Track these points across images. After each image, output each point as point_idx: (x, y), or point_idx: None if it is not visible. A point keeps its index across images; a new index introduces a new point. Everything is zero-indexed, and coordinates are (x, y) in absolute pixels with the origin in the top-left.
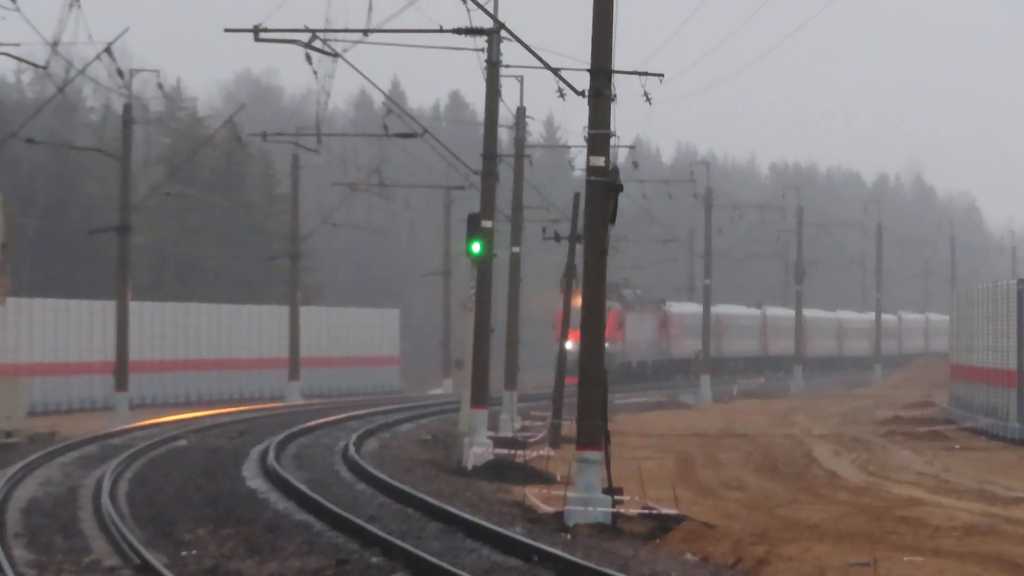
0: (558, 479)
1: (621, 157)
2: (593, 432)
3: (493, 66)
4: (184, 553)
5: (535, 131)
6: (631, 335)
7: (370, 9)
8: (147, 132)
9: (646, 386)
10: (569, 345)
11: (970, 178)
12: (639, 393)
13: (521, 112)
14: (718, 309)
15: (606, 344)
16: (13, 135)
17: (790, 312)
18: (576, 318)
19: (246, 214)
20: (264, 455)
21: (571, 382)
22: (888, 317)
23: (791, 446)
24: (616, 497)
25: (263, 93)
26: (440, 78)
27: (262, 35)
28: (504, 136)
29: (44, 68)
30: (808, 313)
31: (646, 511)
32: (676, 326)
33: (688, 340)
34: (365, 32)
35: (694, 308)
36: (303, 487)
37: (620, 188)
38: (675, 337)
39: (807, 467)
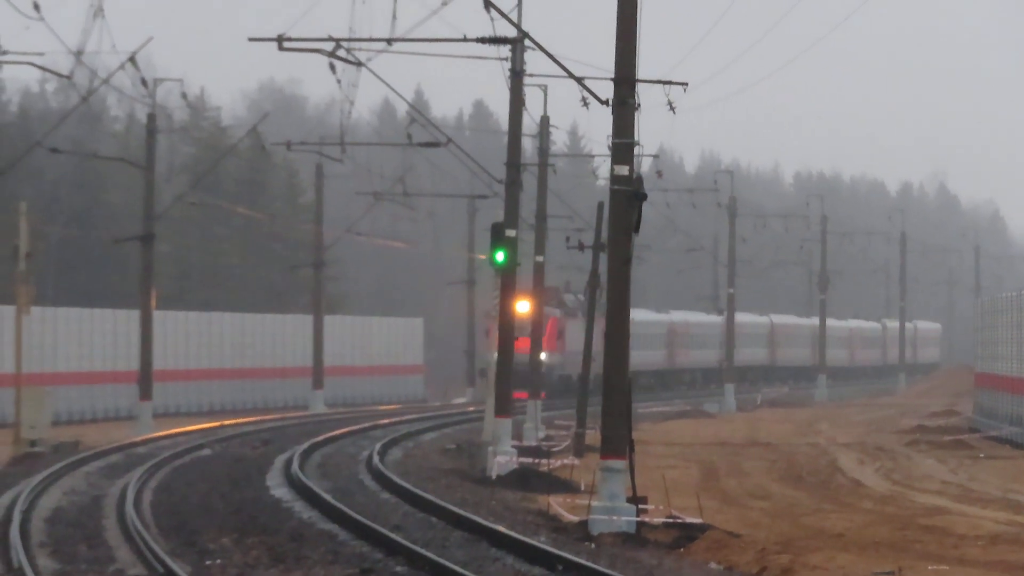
0: (582, 488)
1: (645, 166)
2: (617, 441)
3: (517, 75)
4: (208, 562)
5: (559, 140)
6: (572, 345)
7: (394, 18)
8: (171, 141)
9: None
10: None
11: (994, 187)
12: (663, 402)
13: (545, 121)
14: (673, 316)
15: (545, 355)
16: (37, 144)
17: (756, 319)
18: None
19: (270, 223)
20: (288, 464)
21: (519, 397)
22: (871, 325)
23: (815, 455)
24: (640, 506)
25: (287, 102)
26: (464, 87)
27: (286, 44)
28: (528, 145)
29: (68, 78)
30: (777, 319)
31: (671, 520)
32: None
33: (632, 351)
34: (389, 41)
35: (639, 316)
36: (327, 496)
37: (644, 197)
38: None
39: (831, 476)
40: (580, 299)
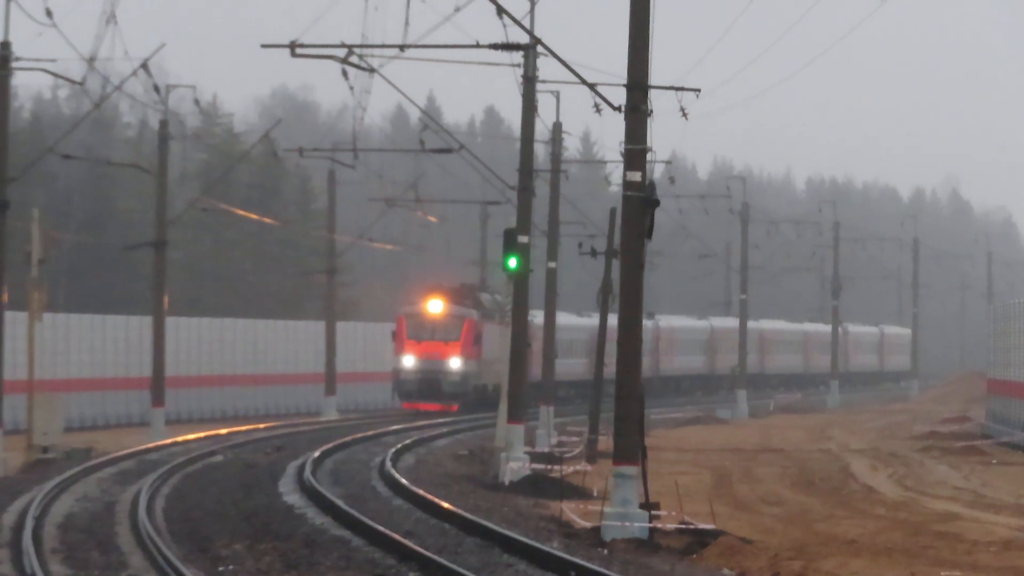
0: (595, 494)
1: (657, 172)
2: (630, 447)
3: (529, 81)
4: (221, 568)
5: (571, 146)
6: (488, 352)
7: (406, 24)
8: (183, 148)
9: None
10: (410, 361)
11: (1006, 193)
12: (675, 408)
13: (557, 127)
14: (595, 320)
15: (459, 362)
16: (50, 151)
17: (690, 323)
18: (418, 328)
19: (282, 229)
20: (301, 470)
21: (409, 407)
22: (828, 329)
23: (828, 461)
24: (653, 512)
25: (299, 108)
26: (476, 93)
27: (298, 51)
28: (540, 151)
29: (81, 84)
30: (716, 323)
31: (683, 526)
32: (540, 341)
33: (555, 360)
34: (401, 48)
35: (562, 320)
36: (340, 502)
37: (656, 203)
38: (537, 355)
39: (844, 482)
40: (498, 299)
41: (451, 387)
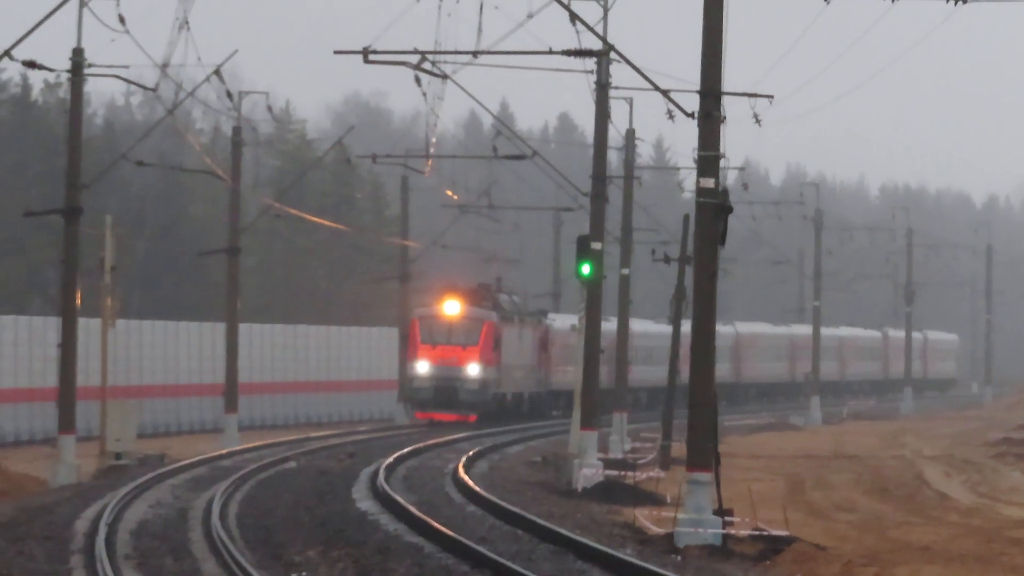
0: (668, 500)
1: (731, 178)
2: (703, 453)
3: (602, 88)
4: (294, 575)
5: (644, 152)
6: (508, 357)
7: (479, 31)
8: (256, 154)
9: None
10: (424, 367)
11: None
12: (750, 415)
13: (630, 134)
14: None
15: (477, 369)
16: (123, 157)
17: (720, 329)
18: (433, 331)
19: (355, 236)
20: (374, 477)
21: (422, 417)
22: (869, 334)
23: (901, 468)
24: (726, 518)
25: (372, 115)
26: (549, 100)
27: (371, 57)
28: (613, 158)
29: (154, 90)
30: (743, 328)
31: (756, 532)
32: (560, 347)
33: (573, 367)
34: (474, 54)
35: (558, 324)
36: (413, 509)
37: (730, 209)
38: (557, 362)
39: (917, 489)
40: (516, 301)
41: (469, 396)
